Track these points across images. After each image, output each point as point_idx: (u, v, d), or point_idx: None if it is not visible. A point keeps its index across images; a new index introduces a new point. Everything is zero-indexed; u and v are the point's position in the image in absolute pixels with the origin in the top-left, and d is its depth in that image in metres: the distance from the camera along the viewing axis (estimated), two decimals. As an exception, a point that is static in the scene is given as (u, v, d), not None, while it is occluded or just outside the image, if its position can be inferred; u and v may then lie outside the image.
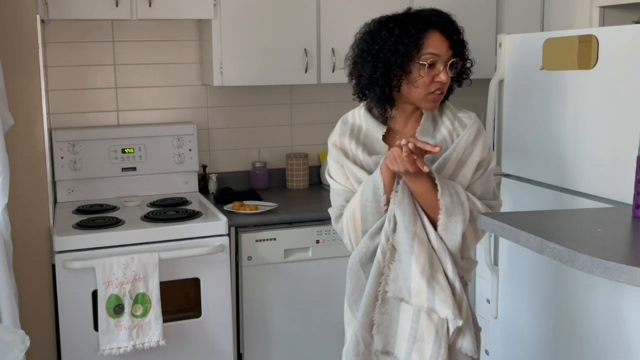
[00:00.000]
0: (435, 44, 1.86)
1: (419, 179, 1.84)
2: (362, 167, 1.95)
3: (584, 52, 2.40)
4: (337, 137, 2.00)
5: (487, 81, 2.92)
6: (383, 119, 1.99)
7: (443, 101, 1.99)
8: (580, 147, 2.45)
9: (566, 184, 2.52)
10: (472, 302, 3.29)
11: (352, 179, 1.96)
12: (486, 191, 1.97)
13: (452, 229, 1.86)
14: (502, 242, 2.85)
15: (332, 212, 2.03)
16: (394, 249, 1.87)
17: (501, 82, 2.83)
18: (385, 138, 1.97)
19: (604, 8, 2.99)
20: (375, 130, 1.97)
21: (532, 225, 1.92)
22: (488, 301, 3.08)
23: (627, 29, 2.31)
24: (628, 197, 2.11)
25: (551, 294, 2.57)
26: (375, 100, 1.95)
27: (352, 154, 1.97)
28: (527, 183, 2.73)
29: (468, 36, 3.52)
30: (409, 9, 1.95)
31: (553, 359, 2.57)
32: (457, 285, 1.88)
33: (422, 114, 1.97)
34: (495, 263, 2.93)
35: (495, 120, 2.88)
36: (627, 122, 2.24)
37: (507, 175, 2.87)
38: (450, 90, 1.99)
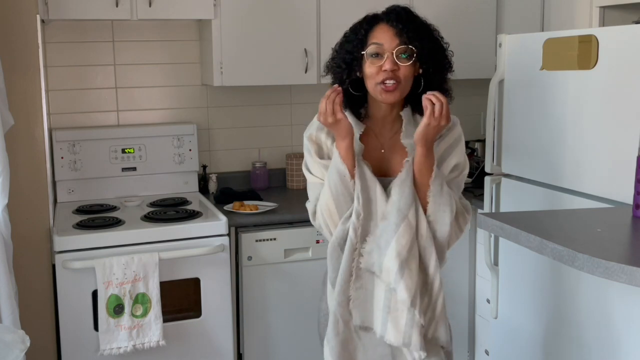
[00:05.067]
0: (378, 35, 1.91)
1: (430, 155, 1.89)
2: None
3: (584, 52, 2.40)
4: (314, 132, 2.01)
5: (487, 81, 2.92)
6: (360, 118, 2.01)
7: (421, 108, 1.98)
8: (580, 147, 2.45)
9: (566, 184, 2.52)
10: (472, 302, 3.30)
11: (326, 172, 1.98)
12: (457, 194, 1.99)
13: (440, 217, 1.90)
14: (502, 242, 2.85)
15: (309, 206, 2.05)
16: (365, 224, 1.89)
17: (501, 82, 2.84)
18: (362, 137, 1.99)
19: (604, 8, 2.99)
20: (353, 128, 1.98)
21: (532, 225, 1.92)
22: (488, 301, 3.08)
23: (627, 29, 2.31)
24: (628, 197, 2.11)
25: (551, 294, 2.57)
26: (344, 100, 1.99)
27: (327, 150, 1.99)
28: (527, 183, 2.73)
29: (468, 36, 3.54)
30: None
31: (552, 359, 2.57)
32: (437, 280, 1.91)
33: (399, 115, 1.98)
34: (495, 263, 2.93)
35: (495, 120, 2.88)
36: (627, 122, 2.24)
37: (507, 175, 2.87)
38: (432, 85, 1.95)
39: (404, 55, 1.88)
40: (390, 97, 1.90)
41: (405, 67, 1.88)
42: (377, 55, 1.89)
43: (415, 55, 1.88)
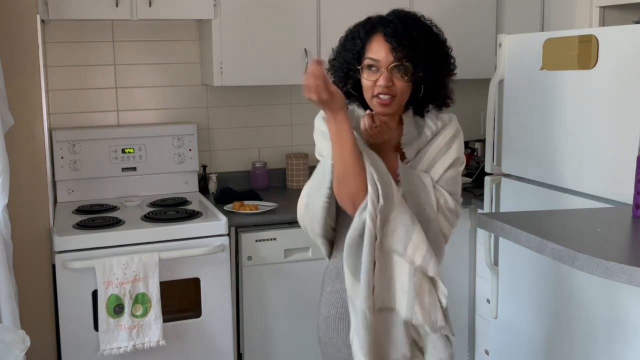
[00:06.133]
0: (374, 49, 1.88)
1: (391, 152, 1.89)
2: None
3: (584, 52, 2.40)
4: None
5: (487, 81, 2.92)
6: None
7: (422, 112, 1.98)
8: (580, 147, 2.45)
9: (566, 184, 2.53)
10: (472, 302, 3.30)
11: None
12: (455, 190, 1.97)
13: (424, 216, 1.88)
14: (502, 242, 2.85)
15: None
16: (385, 209, 1.83)
17: (501, 82, 2.84)
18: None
19: (604, 8, 2.99)
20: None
21: (532, 225, 1.92)
22: (488, 301, 3.08)
23: (627, 29, 2.32)
24: (628, 197, 2.12)
25: (551, 294, 2.57)
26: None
27: None
28: (527, 183, 2.73)
29: (468, 36, 3.53)
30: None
31: (553, 359, 2.57)
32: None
33: (401, 117, 1.97)
34: (495, 263, 2.93)
35: (495, 120, 2.88)
36: (627, 122, 2.24)
37: (507, 175, 2.87)
38: (432, 92, 1.94)
39: (399, 71, 1.86)
40: (386, 109, 1.88)
41: (400, 82, 1.86)
42: (373, 67, 1.88)
43: (410, 71, 1.86)
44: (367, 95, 1.91)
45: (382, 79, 1.85)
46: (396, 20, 1.89)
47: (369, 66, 1.88)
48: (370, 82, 1.88)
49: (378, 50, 1.87)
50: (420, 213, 1.89)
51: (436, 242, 1.91)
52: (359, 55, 1.91)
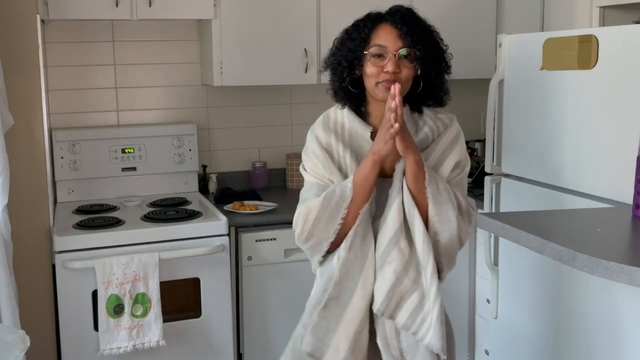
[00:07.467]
0: (382, 35, 1.89)
1: (421, 160, 1.85)
2: (346, 172, 1.95)
3: (584, 52, 2.40)
4: (322, 135, 2.00)
5: (487, 81, 2.92)
6: (364, 118, 1.98)
7: (419, 108, 1.98)
8: (580, 147, 2.45)
9: (566, 184, 2.52)
10: (472, 302, 3.30)
11: (334, 177, 1.96)
12: (462, 191, 1.96)
13: (444, 216, 1.85)
14: (502, 242, 2.85)
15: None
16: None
17: (501, 82, 2.84)
18: (371, 137, 1.96)
19: (604, 8, 2.99)
20: (360, 128, 1.96)
21: (532, 225, 1.92)
22: (488, 301, 3.08)
23: (627, 29, 2.32)
24: (628, 197, 2.12)
25: (551, 294, 2.57)
26: (342, 97, 1.99)
27: (338, 157, 1.97)
28: (527, 183, 2.73)
29: (468, 36, 3.53)
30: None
31: (553, 359, 2.57)
32: (434, 289, 1.82)
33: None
34: (495, 263, 2.93)
35: (495, 120, 2.88)
36: (627, 122, 2.24)
37: (507, 175, 2.87)
38: (431, 87, 1.95)
39: (406, 58, 1.87)
40: (388, 95, 1.88)
41: (406, 69, 1.87)
42: (380, 56, 1.88)
43: (417, 58, 1.87)
44: (370, 82, 1.90)
45: (390, 64, 1.85)
46: (403, 9, 1.92)
47: (376, 54, 1.88)
48: (376, 68, 1.87)
49: (386, 36, 1.87)
50: (439, 213, 1.85)
51: (450, 246, 1.87)
52: (365, 44, 1.91)
